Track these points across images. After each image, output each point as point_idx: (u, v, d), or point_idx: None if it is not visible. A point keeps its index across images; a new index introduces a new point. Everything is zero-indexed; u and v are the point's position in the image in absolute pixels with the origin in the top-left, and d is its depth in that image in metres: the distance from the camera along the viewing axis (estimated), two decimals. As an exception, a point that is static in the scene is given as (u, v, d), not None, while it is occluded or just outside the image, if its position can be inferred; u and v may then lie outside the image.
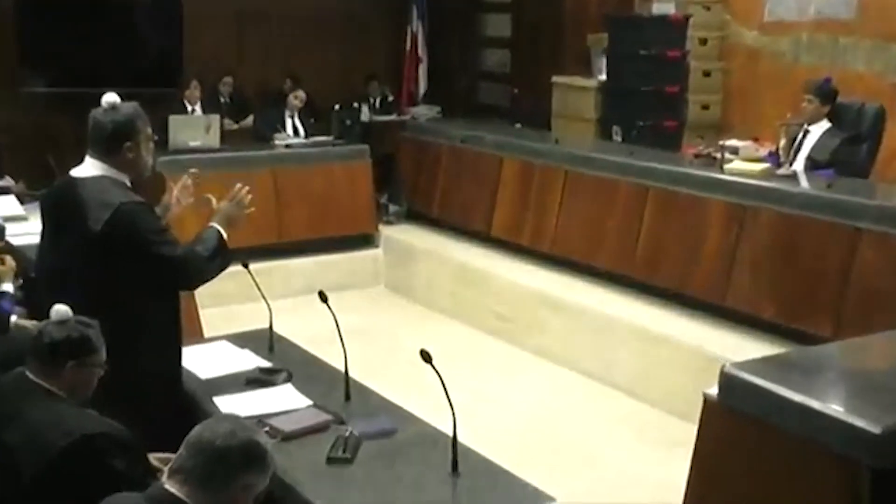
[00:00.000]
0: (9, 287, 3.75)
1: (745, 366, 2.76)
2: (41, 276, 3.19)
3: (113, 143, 2.95)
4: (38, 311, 2.92)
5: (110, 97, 2.98)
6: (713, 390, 2.77)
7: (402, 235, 7.12)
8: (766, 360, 2.94)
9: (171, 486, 1.78)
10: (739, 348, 4.46)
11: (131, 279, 2.89)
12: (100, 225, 2.85)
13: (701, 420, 2.82)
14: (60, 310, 2.51)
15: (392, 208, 7.47)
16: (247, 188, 3.12)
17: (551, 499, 2.45)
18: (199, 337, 4.12)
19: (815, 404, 2.47)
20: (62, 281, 2.94)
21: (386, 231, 7.20)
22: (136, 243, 2.87)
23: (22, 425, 2.35)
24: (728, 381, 2.72)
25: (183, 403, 3.10)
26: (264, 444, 1.84)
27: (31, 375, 2.45)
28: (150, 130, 3.04)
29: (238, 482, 1.78)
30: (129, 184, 3.01)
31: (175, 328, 3.12)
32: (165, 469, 1.93)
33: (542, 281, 5.86)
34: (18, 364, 2.54)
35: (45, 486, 2.26)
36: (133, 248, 2.87)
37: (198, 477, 1.76)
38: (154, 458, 2.55)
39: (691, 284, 5.19)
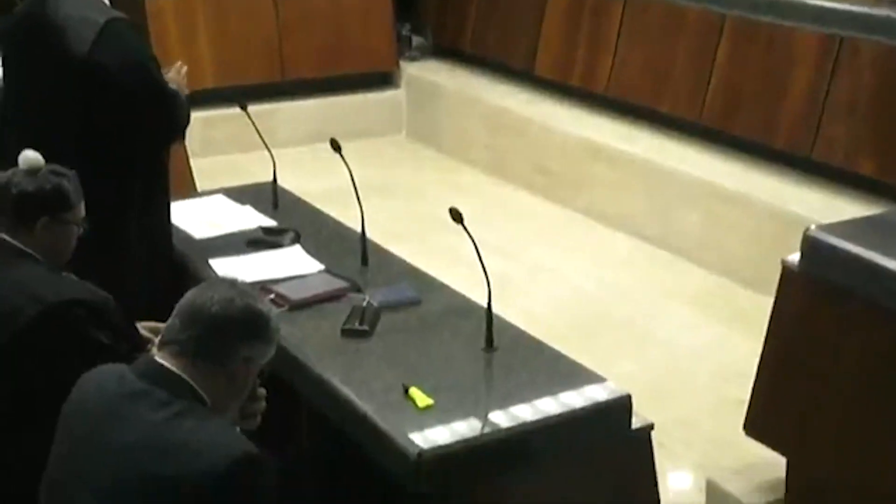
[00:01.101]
0: None
1: (832, 228, 2.74)
2: (6, 118, 3.19)
3: None
4: (4, 160, 2.94)
5: None
6: (794, 257, 2.77)
7: (427, 74, 7.03)
8: (858, 222, 2.93)
9: (162, 359, 1.82)
10: (828, 209, 4.43)
11: (117, 114, 2.88)
12: (87, 46, 2.82)
13: (779, 290, 2.82)
14: (30, 156, 2.51)
15: (416, 41, 7.35)
16: (185, 67, 3.10)
17: (601, 379, 2.49)
18: (190, 190, 4.15)
19: (916, 274, 2.46)
20: (33, 122, 2.93)
21: (408, 69, 7.11)
22: (128, 66, 2.85)
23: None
24: (812, 246, 2.70)
25: (174, 267, 3.14)
26: (267, 311, 1.87)
27: None
28: None
29: (238, 354, 1.82)
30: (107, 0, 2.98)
31: (163, 179, 3.13)
32: (156, 340, 1.96)
33: (595, 129, 5.80)
34: None
35: (13, 359, 2.31)
36: (124, 73, 2.85)
37: (192, 349, 1.79)
38: (143, 326, 2.60)
39: (773, 134, 5.10)
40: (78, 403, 1.86)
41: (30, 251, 2.46)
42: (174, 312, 1.86)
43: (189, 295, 1.86)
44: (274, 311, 1.91)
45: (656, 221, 5.28)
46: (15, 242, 2.46)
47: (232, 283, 1.90)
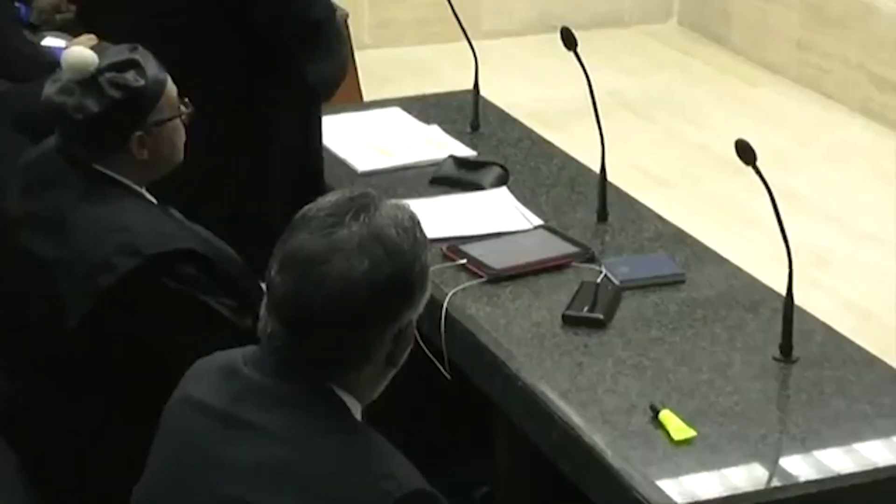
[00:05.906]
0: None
1: None
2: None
3: None
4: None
5: None
6: None
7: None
8: None
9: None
10: None
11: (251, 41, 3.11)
12: None
13: None
14: (74, 57, 2.54)
15: None
16: None
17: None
18: (355, 99, 4.22)
19: None
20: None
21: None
22: None
23: (63, 232, 2.51)
24: None
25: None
26: (409, 264, 1.90)
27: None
28: None
29: (383, 344, 1.89)
30: None
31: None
32: None
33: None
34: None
35: (97, 329, 2.44)
36: None
37: (323, 366, 1.88)
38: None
39: None
40: (184, 406, 1.95)
41: (123, 180, 2.57)
42: (277, 267, 1.88)
43: (292, 245, 1.86)
44: (421, 250, 1.96)
45: None
46: (104, 170, 2.57)
47: (341, 209, 1.90)
